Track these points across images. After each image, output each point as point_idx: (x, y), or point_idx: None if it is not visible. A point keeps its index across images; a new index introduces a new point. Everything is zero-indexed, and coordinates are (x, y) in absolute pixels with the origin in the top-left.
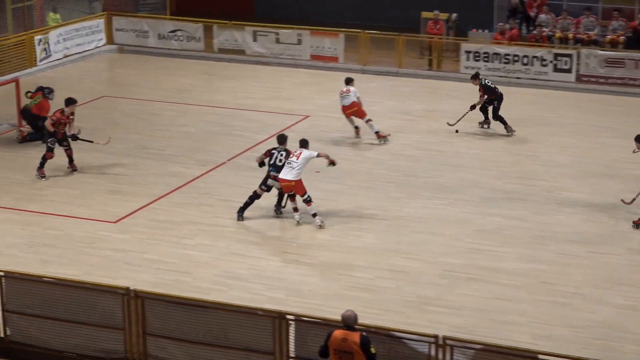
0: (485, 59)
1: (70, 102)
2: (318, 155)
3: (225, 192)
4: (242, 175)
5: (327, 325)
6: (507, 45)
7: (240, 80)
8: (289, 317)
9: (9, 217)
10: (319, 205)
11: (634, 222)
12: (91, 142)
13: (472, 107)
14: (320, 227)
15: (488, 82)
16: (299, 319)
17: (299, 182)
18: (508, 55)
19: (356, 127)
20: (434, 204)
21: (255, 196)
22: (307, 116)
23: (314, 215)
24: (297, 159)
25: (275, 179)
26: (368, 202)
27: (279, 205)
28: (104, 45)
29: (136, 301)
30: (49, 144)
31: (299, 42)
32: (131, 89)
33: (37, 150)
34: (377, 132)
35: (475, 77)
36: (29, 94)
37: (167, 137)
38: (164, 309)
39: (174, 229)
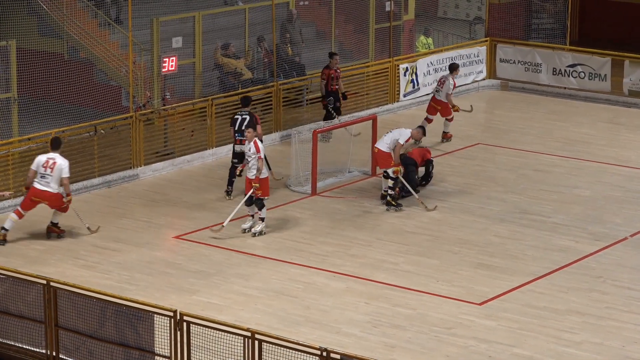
0: None
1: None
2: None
3: (624, 278)
4: None
5: None
6: None
7: None
8: None
9: (351, 288)
10: None
11: None
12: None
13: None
14: None
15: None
16: None
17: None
18: None
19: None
20: None
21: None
22: None
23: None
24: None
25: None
26: None
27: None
28: (483, 79)
29: None
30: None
31: None
32: (513, 136)
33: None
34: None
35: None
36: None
37: (554, 200)
38: None
39: (554, 320)
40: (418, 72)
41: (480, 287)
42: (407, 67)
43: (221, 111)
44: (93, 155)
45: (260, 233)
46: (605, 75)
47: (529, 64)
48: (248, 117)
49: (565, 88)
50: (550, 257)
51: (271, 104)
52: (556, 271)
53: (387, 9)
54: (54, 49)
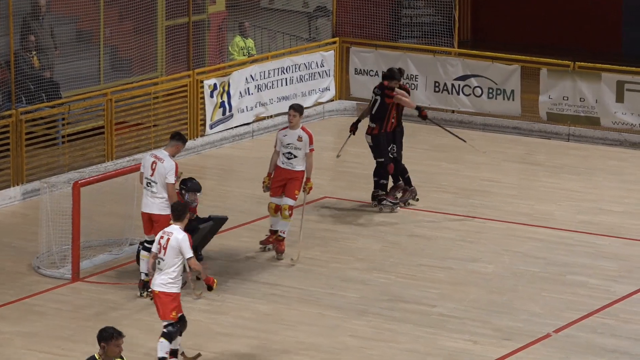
0: None
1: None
2: None
3: None
4: None
5: None
6: None
7: (587, 176)
8: None
9: None
10: None
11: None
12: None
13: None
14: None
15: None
16: None
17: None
18: None
19: None
20: None
21: None
22: None
23: None
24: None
25: None
26: None
27: None
28: (330, 100)
29: None
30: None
31: None
32: None
33: None
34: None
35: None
36: None
37: (440, 280)
38: None
39: None
40: (232, 92)
41: None
42: (215, 84)
43: None
44: None
45: None
46: (513, 91)
47: None
48: (379, 99)
49: (453, 112)
50: None
51: (8, 144)
52: None
53: None
54: None
